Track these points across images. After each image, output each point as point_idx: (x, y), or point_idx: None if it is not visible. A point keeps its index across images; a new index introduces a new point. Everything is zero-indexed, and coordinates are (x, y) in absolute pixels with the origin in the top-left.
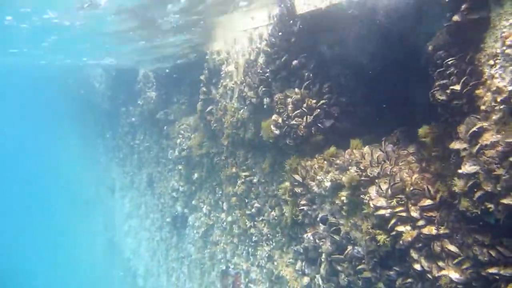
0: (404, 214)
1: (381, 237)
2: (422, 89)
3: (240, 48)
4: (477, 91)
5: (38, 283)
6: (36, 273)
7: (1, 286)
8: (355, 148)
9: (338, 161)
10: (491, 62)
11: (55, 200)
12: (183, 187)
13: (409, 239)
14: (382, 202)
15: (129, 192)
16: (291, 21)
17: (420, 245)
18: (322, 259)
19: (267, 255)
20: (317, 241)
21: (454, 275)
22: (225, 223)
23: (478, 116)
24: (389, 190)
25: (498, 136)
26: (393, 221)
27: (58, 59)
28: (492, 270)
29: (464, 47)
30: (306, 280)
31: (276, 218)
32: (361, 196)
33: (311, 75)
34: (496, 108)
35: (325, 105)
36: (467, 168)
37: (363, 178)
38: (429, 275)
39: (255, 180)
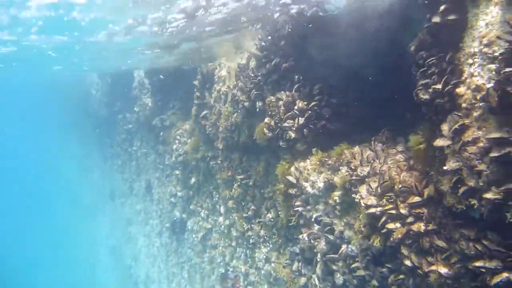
0: (393, 211)
1: (374, 239)
2: (409, 89)
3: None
4: (458, 90)
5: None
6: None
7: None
8: (340, 152)
9: (329, 162)
10: (470, 61)
11: (54, 208)
12: (181, 192)
13: (399, 236)
14: (372, 200)
15: (129, 198)
16: (280, 25)
17: (410, 241)
18: (318, 259)
19: (264, 257)
20: (312, 241)
21: (443, 269)
22: (223, 227)
23: (459, 114)
24: (379, 189)
25: (479, 132)
26: (383, 218)
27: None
28: (478, 264)
29: (444, 47)
30: (303, 280)
31: (272, 220)
32: (353, 195)
33: (301, 77)
34: (476, 105)
35: (316, 106)
36: (451, 164)
37: (354, 177)
38: (419, 271)
39: (250, 183)
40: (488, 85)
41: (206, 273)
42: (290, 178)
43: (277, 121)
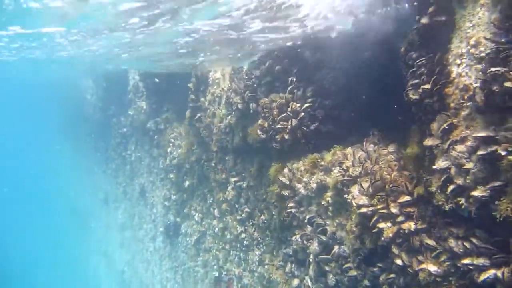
0: (384, 211)
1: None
2: (400, 91)
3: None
4: (446, 90)
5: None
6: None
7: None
8: (333, 153)
9: (322, 163)
10: (458, 61)
11: (47, 213)
12: (175, 195)
13: (390, 235)
14: (364, 200)
15: (122, 203)
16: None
17: (400, 240)
18: (310, 260)
19: (258, 259)
20: (305, 242)
21: (433, 268)
22: (216, 229)
23: (448, 113)
24: (370, 188)
25: (467, 131)
26: (374, 218)
27: None
28: (466, 261)
29: (433, 48)
30: (296, 282)
31: (265, 221)
32: (345, 196)
33: (294, 79)
34: (464, 105)
35: (310, 108)
36: (440, 163)
37: (346, 178)
38: (409, 269)
39: (244, 185)
40: (476, 85)
41: (200, 277)
42: (283, 180)
43: (270, 123)
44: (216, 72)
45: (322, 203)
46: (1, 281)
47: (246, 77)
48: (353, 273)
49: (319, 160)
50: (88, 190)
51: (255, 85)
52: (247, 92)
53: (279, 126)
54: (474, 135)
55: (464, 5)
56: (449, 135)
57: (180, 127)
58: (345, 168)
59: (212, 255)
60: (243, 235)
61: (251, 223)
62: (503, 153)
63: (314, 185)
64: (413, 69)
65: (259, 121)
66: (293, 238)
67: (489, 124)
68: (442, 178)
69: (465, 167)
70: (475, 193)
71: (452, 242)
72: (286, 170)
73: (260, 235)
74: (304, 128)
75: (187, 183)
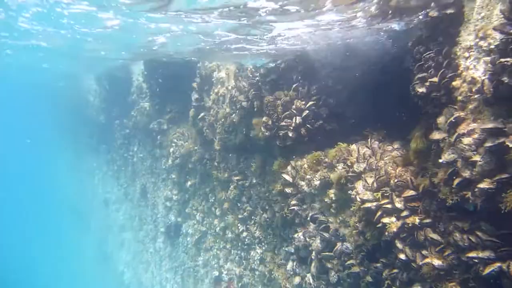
0: (389, 206)
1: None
2: (404, 89)
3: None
4: (454, 83)
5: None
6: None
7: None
8: (337, 150)
9: (326, 160)
10: (466, 54)
11: (47, 215)
12: (177, 195)
13: (394, 229)
14: (368, 195)
15: (123, 204)
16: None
17: (404, 235)
18: (313, 257)
19: (259, 257)
20: (307, 239)
21: (437, 262)
22: (218, 229)
23: (455, 107)
24: (375, 184)
25: (474, 124)
26: (379, 213)
27: None
28: (471, 254)
29: (441, 41)
30: (297, 279)
31: (267, 219)
32: (349, 192)
33: (299, 77)
34: (471, 97)
35: (314, 106)
36: (446, 156)
37: (350, 173)
38: (413, 264)
39: (247, 184)
40: (484, 78)
41: (200, 277)
42: (287, 177)
43: (274, 120)
44: (220, 71)
45: (325, 200)
46: (1, 281)
47: (251, 75)
48: (356, 269)
49: (322, 158)
50: (89, 191)
51: (259, 83)
52: (252, 90)
53: (283, 123)
54: (481, 127)
55: None
56: (456, 128)
57: (183, 127)
58: (349, 164)
59: (213, 255)
60: (245, 234)
61: (253, 222)
62: (511, 145)
63: (317, 182)
64: (421, 63)
65: (264, 119)
66: (296, 235)
67: (497, 116)
68: (449, 172)
69: (472, 159)
70: (482, 185)
71: (457, 236)
72: (289, 167)
73: (261, 233)
74: (308, 125)
75: (189, 183)
